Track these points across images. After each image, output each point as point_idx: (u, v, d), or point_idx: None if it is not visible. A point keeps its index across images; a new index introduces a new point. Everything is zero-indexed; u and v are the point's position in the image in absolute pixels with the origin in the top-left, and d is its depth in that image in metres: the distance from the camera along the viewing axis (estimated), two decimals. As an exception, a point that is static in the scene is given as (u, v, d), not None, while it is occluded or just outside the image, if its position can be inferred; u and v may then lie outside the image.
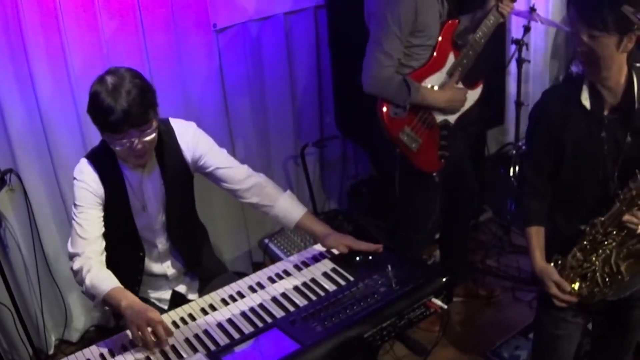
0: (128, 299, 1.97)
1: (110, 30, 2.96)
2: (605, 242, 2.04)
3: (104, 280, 2.03)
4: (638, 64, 2.01)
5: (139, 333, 1.88)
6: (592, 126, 2.04)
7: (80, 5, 2.85)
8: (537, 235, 2.18)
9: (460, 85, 2.81)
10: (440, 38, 2.74)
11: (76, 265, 2.08)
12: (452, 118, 2.84)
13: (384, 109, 2.73)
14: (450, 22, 2.77)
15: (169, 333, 1.94)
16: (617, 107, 2.02)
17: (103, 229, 2.15)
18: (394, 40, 2.62)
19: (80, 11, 2.86)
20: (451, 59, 2.77)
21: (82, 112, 2.98)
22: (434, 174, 2.86)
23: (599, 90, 2.02)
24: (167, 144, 2.21)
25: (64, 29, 2.83)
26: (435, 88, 2.76)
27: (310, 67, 3.68)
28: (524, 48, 3.79)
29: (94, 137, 2.91)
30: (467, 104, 2.85)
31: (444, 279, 1.99)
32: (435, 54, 2.74)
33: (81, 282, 2.07)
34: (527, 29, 3.78)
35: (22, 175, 2.97)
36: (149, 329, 1.89)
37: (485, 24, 2.72)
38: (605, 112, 2.04)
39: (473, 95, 2.87)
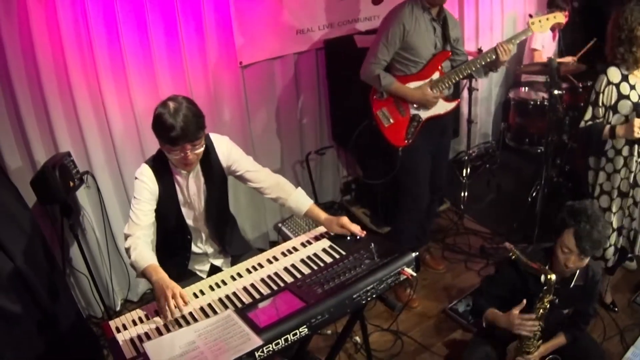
0: (158, 275, 1.91)
1: (163, 71, 2.99)
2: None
3: (143, 258, 1.97)
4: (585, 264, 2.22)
5: (159, 303, 1.84)
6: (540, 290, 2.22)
7: (141, 54, 2.90)
8: (493, 311, 2.30)
9: (437, 94, 2.85)
10: (432, 59, 2.83)
11: (127, 244, 2.05)
12: (423, 114, 2.89)
13: (373, 92, 2.90)
14: (443, 52, 2.86)
15: (185, 303, 1.86)
16: (561, 281, 2.22)
17: (153, 219, 2.12)
18: (382, 48, 2.80)
19: (141, 58, 2.91)
20: (436, 75, 2.85)
21: (141, 131, 3.01)
22: (399, 149, 2.91)
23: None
24: (208, 153, 2.18)
25: (129, 71, 2.87)
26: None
27: (312, 94, 3.68)
28: (473, 80, 3.79)
29: (150, 149, 2.94)
30: (437, 110, 2.90)
31: (414, 254, 1.99)
32: (424, 69, 2.84)
33: (129, 257, 2.04)
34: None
35: (96, 176, 2.98)
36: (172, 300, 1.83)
37: (469, 65, 2.84)
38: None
39: (445, 106, 2.91)
